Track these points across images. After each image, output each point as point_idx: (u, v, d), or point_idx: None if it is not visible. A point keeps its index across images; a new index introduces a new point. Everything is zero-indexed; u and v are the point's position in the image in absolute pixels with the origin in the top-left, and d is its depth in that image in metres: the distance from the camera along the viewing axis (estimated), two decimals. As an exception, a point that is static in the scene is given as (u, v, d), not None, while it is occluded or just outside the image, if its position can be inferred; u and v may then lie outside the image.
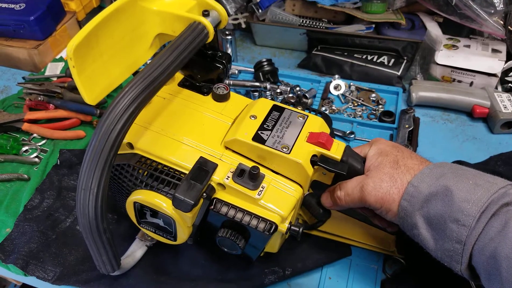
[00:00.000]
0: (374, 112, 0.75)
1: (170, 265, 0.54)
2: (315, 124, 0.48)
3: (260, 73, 0.79)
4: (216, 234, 0.45)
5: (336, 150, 0.46)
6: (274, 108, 0.50)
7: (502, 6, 0.70)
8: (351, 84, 0.79)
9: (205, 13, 0.49)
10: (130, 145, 0.47)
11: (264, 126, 0.47)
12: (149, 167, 0.46)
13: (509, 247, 0.33)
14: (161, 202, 0.44)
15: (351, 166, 0.45)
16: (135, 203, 0.46)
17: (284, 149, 0.45)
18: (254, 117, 0.48)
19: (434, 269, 0.49)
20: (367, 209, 0.47)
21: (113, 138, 0.38)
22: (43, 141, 0.72)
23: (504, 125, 0.70)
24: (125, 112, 0.38)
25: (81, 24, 0.98)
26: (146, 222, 0.48)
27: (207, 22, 0.46)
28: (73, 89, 0.78)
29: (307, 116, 0.49)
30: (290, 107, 0.50)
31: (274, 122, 0.48)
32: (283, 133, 0.46)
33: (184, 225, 0.45)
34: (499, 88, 0.76)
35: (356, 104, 0.76)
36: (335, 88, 0.79)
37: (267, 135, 0.46)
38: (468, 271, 0.38)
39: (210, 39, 0.48)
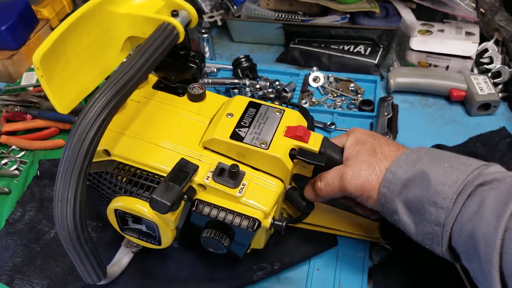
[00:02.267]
0: (354, 101, 0.75)
1: (157, 269, 0.54)
2: (292, 118, 0.48)
3: (239, 70, 0.79)
4: (200, 235, 0.45)
5: (314, 142, 0.46)
6: (251, 104, 0.49)
7: (473, -11, 0.71)
8: (330, 75, 0.79)
9: (174, 13, 0.48)
10: (107, 152, 0.47)
11: (241, 123, 0.47)
12: (128, 173, 0.45)
13: (485, 227, 0.34)
14: (142, 208, 0.44)
15: (329, 157, 0.45)
16: (116, 210, 0.45)
17: (263, 145, 0.45)
18: (231, 115, 0.48)
19: (419, 253, 0.50)
20: (349, 199, 0.47)
21: (86, 147, 0.37)
22: (22, 153, 0.71)
23: (481, 107, 0.71)
24: (97, 119, 0.37)
25: (54, 31, 0.96)
26: (129, 228, 0.48)
27: (176, 22, 0.46)
28: (50, 98, 0.76)
29: (284, 110, 0.49)
30: (267, 103, 0.50)
31: (251, 119, 0.47)
32: (260, 129, 0.46)
33: (167, 229, 0.45)
34: (475, 71, 0.77)
35: (335, 95, 0.77)
36: (314, 80, 0.79)
37: (244, 132, 0.46)
38: (448, 253, 0.39)
39: (181, 39, 0.47)
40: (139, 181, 0.45)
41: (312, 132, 0.47)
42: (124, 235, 0.49)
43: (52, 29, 0.96)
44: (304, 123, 0.49)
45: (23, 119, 0.75)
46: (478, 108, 0.71)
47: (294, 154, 0.45)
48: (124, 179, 0.45)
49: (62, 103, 0.43)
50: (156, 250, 0.53)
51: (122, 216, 0.46)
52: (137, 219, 0.45)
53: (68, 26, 0.42)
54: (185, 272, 0.53)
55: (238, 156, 0.46)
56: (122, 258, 0.54)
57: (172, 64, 0.52)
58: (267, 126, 0.47)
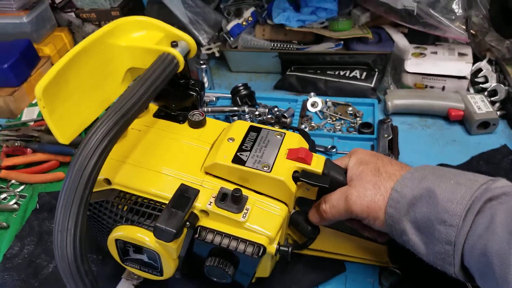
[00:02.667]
0: (353, 125, 0.75)
1: (160, 302, 0.52)
2: (293, 140, 0.48)
3: (238, 98, 0.80)
4: (203, 264, 0.44)
5: (317, 164, 0.45)
6: (251, 128, 0.49)
7: (461, 11, 0.73)
8: (327, 100, 0.80)
9: (174, 44, 0.49)
10: (108, 181, 0.46)
11: (243, 147, 0.47)
12: (129, 201, 0.45)
13: (497, 243, 0.33)
14: (144, 237, 0.43)
15: (333, 179, 0.45)
16: (116, 240, 0.44)
17: (265, 168, 0.44)
18: (232, 139, 0.48)
19: (430, 276, 0.48)
20: (355, 221, 0.46)
21: (87, 175, 0.36)
22: (22, 187, 0.70)
23: (480, 126, 0.71)
24: (98, 147, 0.37)
25: (56, 68, 0.98)
26: (130, 259, 0.46)
27: (176, 52, 0.47)
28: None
29: (285, 133, 0.49)
30: (267, 126, 0.50)
31: (252, 143, 0.47)
32: (262, 152, 0.46)
33: (169, 258, 0.44)
34: (471, 90, 0.78)
35: (334, 119, 0.77)
36: (312, 105, 0.80)
37: (246, 156, 0.46)
38: (461, 273, 0.37)
39: (180, 69, 0.48)
40: (140, 209, 0.44)
41: (314, 153, 0.47)
42: (125, 266, 0.47)
43: (54, 65, 0.98)
44: (306, 145, 0.49)
45: (23, 153, 0.74)
46: (478, 127, 0.71)
47: (297, 176, 0.45)
48: (125, 207, 0.44)
49: (64, 134, 0.43)
50: (157, 282, 0.52)
51: (123, 246, 0.45)
52: (138, 249, 0.44)
53: (70, 59, 0.42)
54: (189, 305, 0.51)
55: (241, 180, 0.45)
56: (123, 292, 0.52)
57: (173, 93, 0.53)
58: (268, 149, 0.46)
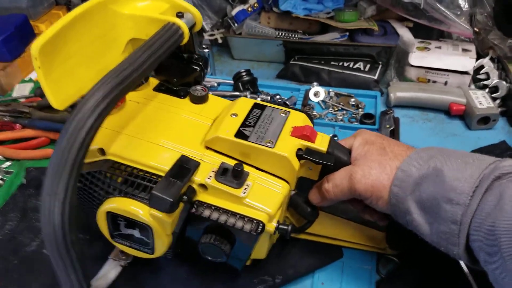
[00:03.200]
0: (355, 115, 0.74)
1: (148, 284, 0.49)
2: (298, 118, 0.47)
3: (240, 83, 0.78)
4: (197, 245, 0.42)
5: (321, 142, 0.44)
6: (255, 106, 0.48)
7: (467, 7, 0.73)
8: (330, 90, 0.79)
9: (179, 15, 0.48)
10: (102, 151, 0.44)
11: (246, 123, 0.45)
12: (123, 173, 0.43)
13: (507, 220, 0.31)
14: (137, 209, 0.40)
15: (337, 158, 0.43)
16: (108, 212, 0.42)
17: (268, 144, 0.43)
18: (235, 115, 0.46)
19: (427, 263, 0.47)
20: (356, 202, 0.45)
21: (82, 137, 0.34)
22: (8, 163, 0.67)
23: (481, 121, 0.71)
24: (95, 110, 0.35)
25: (51, 45, 0.95)
26: (120, 234, 0.44)
27: (181, 22, 0.45)
28: (43, 108, 0.74)
29: (289, 112, 0.47)
30: (272, 105, 0.49)
31: (256, 119, 0.46)
32: (266, 128, 0.45)
33: (163, 233, 0.41)
34: (472, 86, 0.77)
35: (336, 109, 0.76)
36: (315, 95, 0.79)
37: (249, 131, 0.44)
38: (466, 254, 0.36)
39: (185, 40, 0.46)
40: (135, 180, 0.42)
41: (318, 132, 0.45)
42: (114, 242, 0.45)
43: (49, 43, 0.95)
44: (310, 124, 0.47)
45: (11, 128, 0.72)
46: (478, 122, 0.70)
47: (301, 154, 0.43)
48: (119, 179, 0.42)
49: (58, 98, 0.41)
50: (147, 264, 0.49)
51: (113, 219, 0.43)
52: (131, 223, 0.42)
53: (71, 20, 0.40)
54: (179, 287, 0.49)
55: (242, 156, 0.44)
56: (109, 272, 0.49)
57: (176, 66, 0.51)
58: (272, 126, 0.45)
